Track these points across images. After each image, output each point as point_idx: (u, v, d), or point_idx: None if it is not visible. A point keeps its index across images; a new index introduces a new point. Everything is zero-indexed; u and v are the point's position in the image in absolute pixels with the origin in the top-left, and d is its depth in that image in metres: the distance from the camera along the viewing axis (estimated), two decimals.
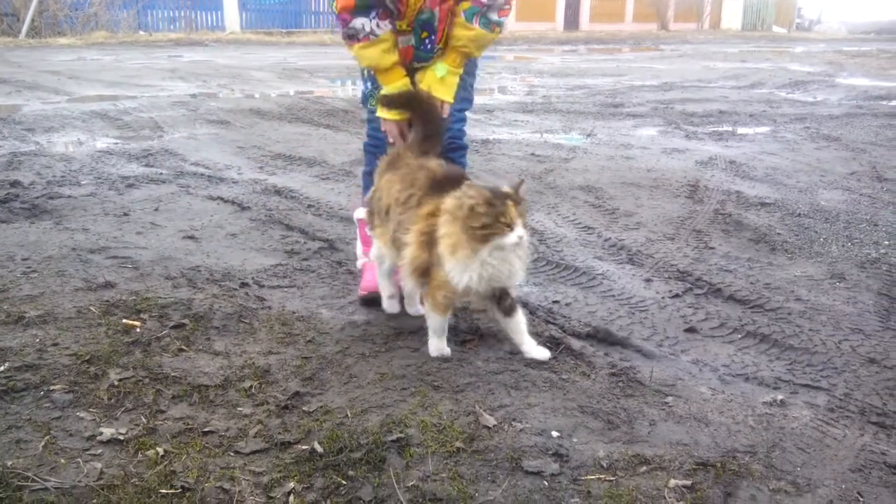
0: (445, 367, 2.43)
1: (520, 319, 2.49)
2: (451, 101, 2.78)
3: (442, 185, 2.39)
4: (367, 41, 2.65)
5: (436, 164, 2.54)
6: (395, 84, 2.73)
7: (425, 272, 2.39)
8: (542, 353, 2.49)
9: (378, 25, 2.64)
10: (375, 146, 2.94)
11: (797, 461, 1.97)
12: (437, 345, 2.49)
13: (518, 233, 2.20)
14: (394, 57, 2.71)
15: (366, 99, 2.97)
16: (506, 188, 2.28)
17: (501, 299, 2.44)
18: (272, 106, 8.01)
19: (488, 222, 2.19)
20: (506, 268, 2.30)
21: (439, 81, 2.75)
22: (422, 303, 2.59)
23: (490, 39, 2.75)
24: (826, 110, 8.70)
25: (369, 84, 2.90)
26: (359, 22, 2.61)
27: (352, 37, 2.65)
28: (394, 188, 2.51)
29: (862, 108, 8.86)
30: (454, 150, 3.00)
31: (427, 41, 2.77)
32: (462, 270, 2.27)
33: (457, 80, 2.78)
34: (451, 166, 2.59)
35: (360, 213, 3.03)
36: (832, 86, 11.63)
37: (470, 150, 5.91)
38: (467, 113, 3.09)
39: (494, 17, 2.67)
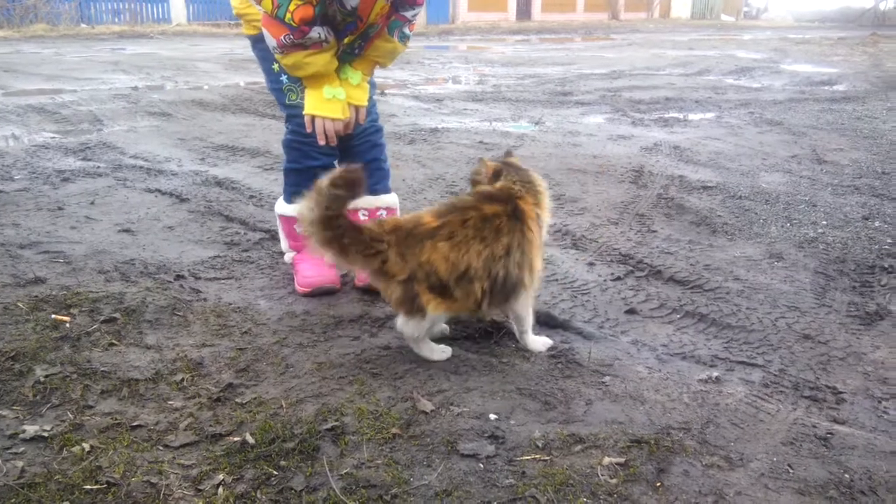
0: (385, 354, 2.41)
1: None
2: (366, 104, 2.85)
3: (513, 212, 2.33)
4: (317, 48, 2.59)
5: (482, 204, 2.32)
6: (333, 87, 2.70)
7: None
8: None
9: (329, 32, 2.60)
10: (301, 143, 2.84)
11: (731, 436, 1.99)
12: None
13: None
14: (336, 62, 2.71)
15: (283, 94, 2.82)
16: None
17: None
18: (216, 97, 7.86)
19: None
20: None
21: (355, 88, 2.78)
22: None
23: (401, 52, 2.89)
24: (770, 96, 8.86)
25: (285, 77, 2.78)
26: (316, 32, 2.55)
27: (299, 45, 2.56)
28: (472, 250, 2.23)
29: (804, 94, 9.05)
30: (374, 132, 3.01)
31: (357, 48, 2.80)
32: None
33: (368, 86, 2.85)
34: (488, 190, 2.41)
35: (283, 208, 2.98)
36: (777, 72, 11.86)
37: (418, 139, 5.92)
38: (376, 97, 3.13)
39: (407, 30, 2.81)
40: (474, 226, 2.25)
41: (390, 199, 3.06)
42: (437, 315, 2.28)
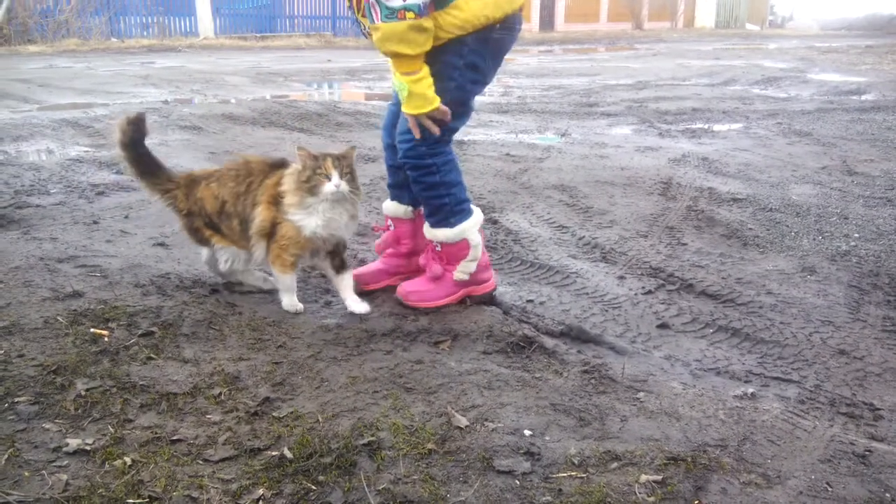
0: (418, 368, 2.42)
1: (348, 277, 2.86)
2: (406, 111, 2.58)
3: (275, 165, 2.82)
4: (431, 11, 2.37)
5: (255, 156, 2.94)
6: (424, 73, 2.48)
7: (271, 233, 2.74)
8: (361, 307, 2.82)
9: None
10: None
11: (767, 453, 1.98)
12: (290, 300, 2.85)
13: (335, 182, 2.60)
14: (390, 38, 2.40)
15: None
16: (332, 151, 2.70)
17: (334, 256, 2.82)
18: (245, 111, 7.96)
19: (310, 175, 2.62)
20: (339, 218, 2.70)
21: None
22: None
23: (402, 31, 2.33)
24: (798, 106, 8.79)
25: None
26: None
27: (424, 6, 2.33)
28: (225, 189, 2.84)
29: (833, 104, 8.96)
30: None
31: None
32: (305, 217, 2.67)
33: (405, 87, 2.50)
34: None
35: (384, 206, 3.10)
36: (804, 81, 11.76)
37: None
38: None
39: (396, 3, 2.30)
40: (236, 174, 2.84)
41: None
42: (221, 247, 2.89)
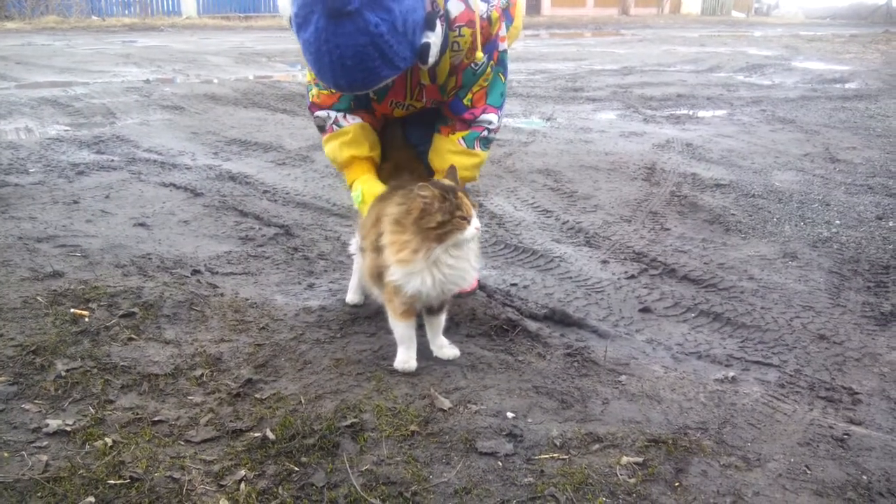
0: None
1: (441, 319, 2.38)
2: None
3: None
4: (331, 132, 2.51)
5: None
6: (357, 181, 2.52)
7: (381, 277, 2.26)
8: (449, 352, 2.38)
9: (345, 118, 2.49)
10: None
11: (748, 436, 2.00)
12: (402, 355, 2.31)
13: (475, 223, 2.10)
14: (352, 150, 2.51)
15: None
16: (448, 181, 2.20)
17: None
18: (228, 91, 7.87)
19: (445, 219, 2.06)
20: (463, 265, 2.18)
21: None
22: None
23: (486, 159, 2.63)
24: (782, 93, 8.82)
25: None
26: (323, 112, 2.48)
27: (320, 128, 2.53)
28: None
29: (816, 91, 9.00)
30: None
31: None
32: (411, 275, 2.14)
33: None
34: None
35: None
36: (788, 69, 11.80)
37: None
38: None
39: (492, 136, 2.57)
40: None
41: None
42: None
